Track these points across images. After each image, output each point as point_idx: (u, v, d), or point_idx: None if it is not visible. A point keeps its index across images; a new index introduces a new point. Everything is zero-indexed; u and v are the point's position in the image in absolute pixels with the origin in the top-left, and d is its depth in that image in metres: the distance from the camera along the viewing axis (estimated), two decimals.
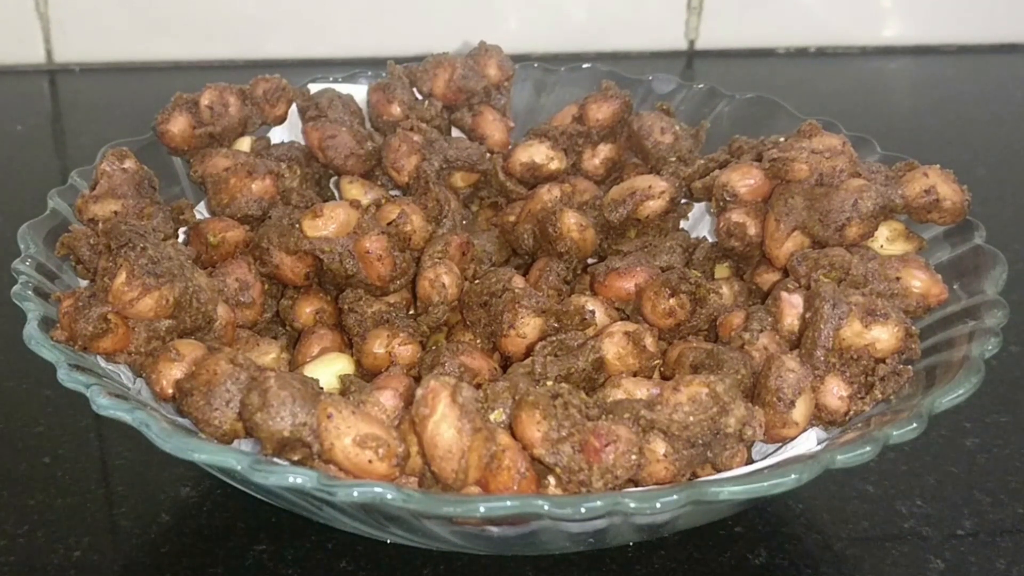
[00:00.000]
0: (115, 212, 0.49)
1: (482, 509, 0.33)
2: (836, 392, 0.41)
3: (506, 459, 0.36)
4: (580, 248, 0.51)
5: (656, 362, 0.44)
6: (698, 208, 0.56)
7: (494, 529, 0.37)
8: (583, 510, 0.33)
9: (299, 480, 0.34)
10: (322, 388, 0.39)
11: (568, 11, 0.99)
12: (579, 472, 0.36)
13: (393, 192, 0.57)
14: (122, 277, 0.42)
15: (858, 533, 0.45)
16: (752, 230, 0.49)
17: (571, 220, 0.50)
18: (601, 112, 0.58)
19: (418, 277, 0.48)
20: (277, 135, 0.60)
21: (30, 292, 0.43)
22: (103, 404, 0.37)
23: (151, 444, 0.36)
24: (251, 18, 0.96)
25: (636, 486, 0.38)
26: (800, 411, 0.40)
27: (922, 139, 0.87)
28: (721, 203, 0.50)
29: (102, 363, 0.43)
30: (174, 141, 0.56)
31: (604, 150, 0.59)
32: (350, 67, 0.68)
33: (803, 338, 0.42)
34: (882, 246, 0.47)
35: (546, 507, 0.33)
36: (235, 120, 0.57)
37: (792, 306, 0.43)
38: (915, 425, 0.36)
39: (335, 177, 0.58)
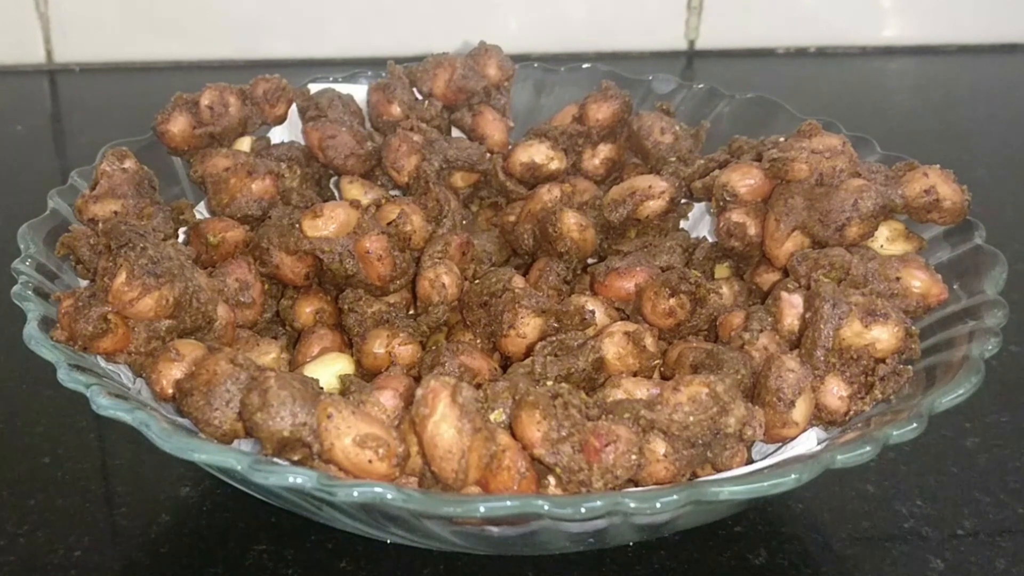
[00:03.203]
0: (115, 212, 0.49)
1: (482, 509, 0.33)
2: (836, 392, 0.41)
3: (506, 459, 0.36)
4: (580, 248, 0.51)
5: (656, 362, 0.44)
6: (698, 208, 0.56)
7: (494, 529, 0.37)
8: (583, 510, 0.33)
9: (299, 480, 0.34)
10: (322, 388, 0.39)
11: (568, 11, 0.99)
12: (579, 472, 0.36)
13: (393, 192, 0.57)
14: (122, 277, 0.42)
15: (858, 533, 0.45)
16: (752, 230, 0.49)
17: (571, 220, 0.50)
18: (601, 112, 0.58)
19: (418, 277, 0.48)
20: (277, 135, 0.60)
21: (30, 292, 0.43)
22: (103, 404, 0.37)
23: (151, 444, 0.36)
24: (251, 18, 0.96)
25: (636, 486, 0.38)
26: (800, 411, 0.40)
27: (922, 139, 0.86)
28: (721, 203, 0.50)
29: (102, 363, 0.43)
30: (174, 141, 0.56)
31: (604, 150, 0.59)
32: (350, 67, 0.68)
33: (803, 338, 0.42)
34: (882, 246, 0.47)
35: (546, 507, 0.33)
36: (235, 120, 0.57)
37: (792, 306, 0.43)
38: (915, 425, 0.36)
39: (335, 177, 0.58)
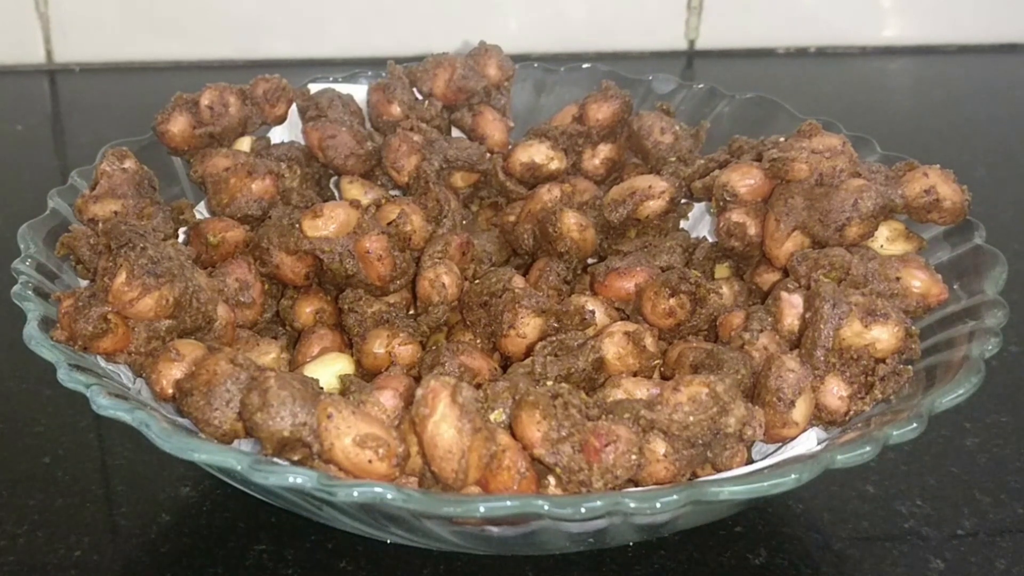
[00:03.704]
0: (115, 212, 0.49)
1: (482, 509, 0.33)
2: (836, 392, 0.41)
3: (506, 459, 0.36)
4: (580, 248, 0.51)
5: (656, 362, 0.44)
6: (698, 208, 0.56)
7: (494, 529, 0.37)
8: (583, 510, 0.33)
9: (299, 480, 0.34)
10: (322, 388, 0.39)
11: (568, 11, 0.99)
12: (579, 472, 0.36)
13: (393, 192, 0.57)
14: (122, 277, 0.42)
15: (858, 533, 0.45)
16: (752, 230, 0.49)
17: (571, 220, 0.50)
18: (601, 112, 0.58)
19: (418, 277, 0.48)
20: (277, 135, 0.60)
21: (30, 292, 0.43)
22: (103, 404, 0.37)
23: (151, 444, 0.36)
24: (251, 18, 0.96)
25: (636, 486, 0.38)
26: (800, 411, 0.40)
27: (922, 139, 0.87)
28: (721, 203, 0.50)
29: (102, 363, 0.43)
30: (174, 141, 0.56)
31: (604, 150, 0.59)
32: (350, 67, 0.68)
33: (803, 338, 0.42)
34: (882, 246, 0.47)
35: (546, 507, 0.33)
36: (235, 120, 0.57)
37: (792, 306, 0.43)
38: (915, 425, 0.36)
39: (335, 177, 0.58)
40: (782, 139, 0.51)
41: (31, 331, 0.41)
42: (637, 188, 0.52)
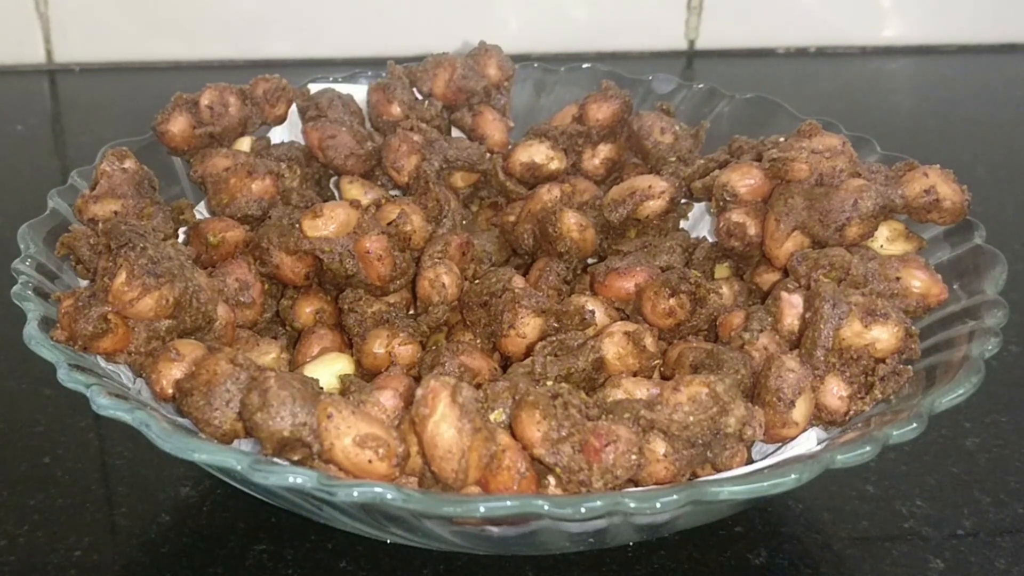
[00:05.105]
0: (115, 212, 0.49)
1: (482, 509, 0.33)
2: (836, 392, 0.41)
3: (506, 459, 0.36)
4: (580, 248, 0.51)
5: (656, 362, 0.44)
6: (698, 208, 0.56)
7: (494, 529, 0.37)
8: (583, 510, 0.33)
9: (299, 480, 0.34)
10: (322, 388, 0.39)
11: (568, 11, 0.99)
12: (579, 472, 0.36)
13: (393, 192, 0.57)
14: (122, 277, 0.42)
15: (858, 533, 0.45)
16: (752, 230, 0.49)
17: (571, 220, 0.50)
18: (601, 112, 0.58)
19: (418, 277, 0.48)
20: (277, 135, 0.60)
21: (30, 292, 0.43)
22: (103, 404, 0.37)
23: (151, 444, 0.36)
24: (251, 18, 0.96)
25: (636, 486, 0.38)
26: (800, 411, 0.40)
27: (922, 139, 0.87)
28: (721, 203, 0.50)
29: (102, 363, 0.43)
30: (174, 141, 0.56)
31: (604, 150, 0.59)
32: (350, 67, 0.68)
33: (803, 338, 0.42)
34: (882, 246, 0.47)
35: (546, 507, 0.33)
36: (235, 120, 0.57)
37: (792, 306, 0.43)
38: (915, 425, 0.36)
39: (335, 177, 0.58)
40: (782, 139, 0.51)
41: (31, 331, 0.41)
42: (637, 188, 0.52)
